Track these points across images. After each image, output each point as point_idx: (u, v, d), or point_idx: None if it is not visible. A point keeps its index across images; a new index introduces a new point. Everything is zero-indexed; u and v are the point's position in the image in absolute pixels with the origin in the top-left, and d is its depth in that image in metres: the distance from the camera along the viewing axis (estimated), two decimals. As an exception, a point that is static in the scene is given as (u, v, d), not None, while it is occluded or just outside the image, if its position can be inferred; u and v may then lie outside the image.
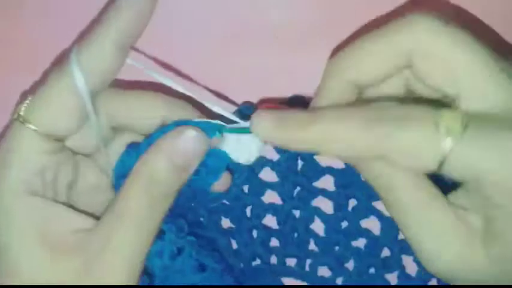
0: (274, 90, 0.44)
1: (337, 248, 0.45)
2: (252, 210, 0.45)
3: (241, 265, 0.44)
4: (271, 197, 0.45)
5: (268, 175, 0.45)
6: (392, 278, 0.45)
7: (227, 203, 0.45)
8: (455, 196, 0.32)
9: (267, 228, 0.45)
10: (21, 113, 0.35)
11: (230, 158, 0.37)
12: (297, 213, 0.45)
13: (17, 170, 0.35)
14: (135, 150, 0.36)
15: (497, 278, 0.31)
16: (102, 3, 0.40)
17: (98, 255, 0.33)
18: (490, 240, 0.31)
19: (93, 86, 0.35)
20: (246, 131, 0.35)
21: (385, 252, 0.45)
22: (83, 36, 0.37)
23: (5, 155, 0.35)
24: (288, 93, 0.44)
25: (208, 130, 0.36)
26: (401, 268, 0.45)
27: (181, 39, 0.45)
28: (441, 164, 0.30)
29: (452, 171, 0.30)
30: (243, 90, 0.45)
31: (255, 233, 0.45)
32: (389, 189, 0.33)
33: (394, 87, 0.35)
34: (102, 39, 0.35)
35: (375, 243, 0.45)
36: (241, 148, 0.37)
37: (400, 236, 0.45)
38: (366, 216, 0.45)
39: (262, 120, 0.33)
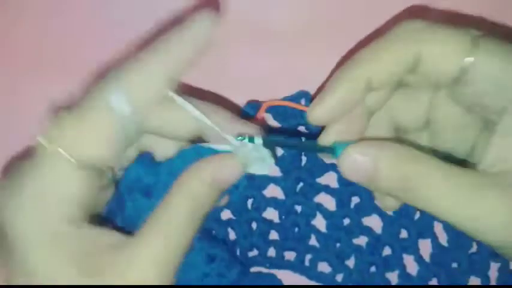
0: (274, 90, 0.44)
1: (338, 244, 0.45)
2: (252, 203, 0.45)
3: (237, 254, 0.45)
4: (274, 191, 0.46)
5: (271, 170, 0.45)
6: (392, 277, 0.45)
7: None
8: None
9: (266, 221, 0.45)
10: (55, 138, 0.33)
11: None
12: (298, 208, 0.46)
13: (57, 205, 0.33)
14: (160, 165, 0.36)
15: None
16: (101, 3, 0.41)
17: (132, 262, 0.33)
18: None
19: (136, 114, 0.33)
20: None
21: (386, 251, 0.45)
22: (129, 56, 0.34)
23: (42, 189, 0.33)
24: (288, 93, 0.44)
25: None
26: (402, 267, 0.45)
27: None
28: (463, 73, 0.33)
29: (474, 82, 0.33)
30: (243, 90, 0.45)
31: (254, 225, 0.45)
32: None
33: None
34: (155, 69, 0.33)
35: (376, 241, 0.45)
36: (254, 161, 0.37)
37: (402, 235, 0.45)
38: (368, 214, 0.45)
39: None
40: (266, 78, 0.45)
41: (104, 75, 0.34)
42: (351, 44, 0.45)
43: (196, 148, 0.36)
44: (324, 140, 0.36)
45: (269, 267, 0.45)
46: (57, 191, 0.33)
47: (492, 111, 0.34)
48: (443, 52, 0.33)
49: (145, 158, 0.38)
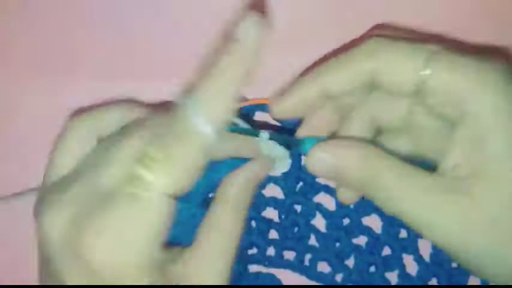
0: (274, 90, 0.44)
1: (337, 244, 0.46)
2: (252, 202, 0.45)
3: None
4: (273, 191, 0.46)
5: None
6: (392, 277, 0.45)
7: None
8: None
9: (266, 220, 0.45)
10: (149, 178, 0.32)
11: None
12: (298, 208, 0.46)
13: (148, 247, 0.32)
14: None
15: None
16: (101, 3, 0.41)
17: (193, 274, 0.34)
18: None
19: (218, 136, 0.33)
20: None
21: (386, 251, 0.45)
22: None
23: (135, 222, 0.32)
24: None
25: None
26: (402, 267, 0.45)
27: (180, 38, 0.46)
28: (421, 86, 0.34)
29: (432, 94, 0.34)
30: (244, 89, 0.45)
31: (253, 223, 0.45)
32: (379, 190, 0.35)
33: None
34: (227, 87, 0.33)
35: (375, 241, 0.45)
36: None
37: (401, 235, 0.45)
38: (368, 214, 0.45)
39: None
40: (266, 78, 0.45)
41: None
42: (350, 44, 0.45)
43: (228, 162, 0.38)
44: (299, 134, 0.40)
45: (268, 266, 0.45)
46: (150, 227, 0.32)
47: (452, 121, 0.35)
48: (398, 68, 0.35)
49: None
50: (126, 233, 0.31)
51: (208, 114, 0.32)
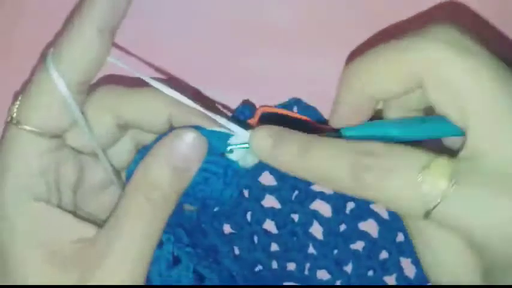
0: (274, 91, 0.44)
1: (335, 251, 0.46)
2: (252, 215, 0.45)
3: (244, 272, 0.44)
4: (269, 201, 0.46)
5: (266, 179, 0.46)
6: (390, 280, 0.45)
7: (227, 207, 0.45)
8: None
9: (267, 233, 0.45)
10: (14, 115, 0.35)
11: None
12: (295, 216, 0.46)
13: (17, 174, 0.35)
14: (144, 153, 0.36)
15: None
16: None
17: (96, 267, 0.33)
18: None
19: (78, 77, 0.35)
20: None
21: (384, 255, 0.46)
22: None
23: (3, 160, 0.35)
24: (287, 94, 0.44)
25: (217, 139, 0.36)
26: (400, 270, 0.45)
27: (180, 38, 0.46)
28: (427, 215, 0.30)
29: (440, 222, 0.30)
30: (243, 90, 0.45)
31: (255, 239, 0.45)
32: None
33: (414, 100, 0.35)
34: (81, 27, 0.35)
35: (373, 245, 0.45)
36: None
37: (398, 239, 0.45)
38: (364, 219, 0.46)
39: (261, 139, 0.34)
40: (266, 78, 0.45)
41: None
42: (352, 44, 0.45)
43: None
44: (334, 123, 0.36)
45: (273, 281, 0.45)
46: (18, 160, 0.35)
47: None
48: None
49: (142, 150, 0.37)
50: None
51: (59, 62, 0.35)
